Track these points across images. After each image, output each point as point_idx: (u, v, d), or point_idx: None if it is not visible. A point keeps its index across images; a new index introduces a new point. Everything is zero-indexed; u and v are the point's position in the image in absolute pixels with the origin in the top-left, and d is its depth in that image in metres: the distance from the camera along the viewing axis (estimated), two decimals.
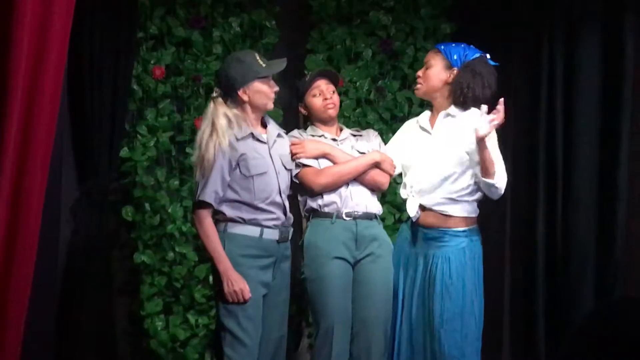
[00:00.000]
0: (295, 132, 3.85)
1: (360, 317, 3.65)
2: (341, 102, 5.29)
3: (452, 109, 3.64)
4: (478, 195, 3.64)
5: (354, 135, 3.91)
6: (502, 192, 3.51)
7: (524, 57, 5.14)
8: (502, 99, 3.48)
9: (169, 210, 4.84)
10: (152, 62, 4.91)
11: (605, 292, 4.56)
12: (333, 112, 3.81)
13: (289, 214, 3.55)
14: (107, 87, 4.76)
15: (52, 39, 2.91)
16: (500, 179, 3.47)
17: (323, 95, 3.78)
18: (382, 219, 5.33)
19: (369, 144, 3.86)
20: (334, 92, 3.82)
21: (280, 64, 3.63)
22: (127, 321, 5.01)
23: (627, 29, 4.55)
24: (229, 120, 3.41)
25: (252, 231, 3.44)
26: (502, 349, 5.06)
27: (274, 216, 3.46)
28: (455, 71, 3.63)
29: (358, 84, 5.31)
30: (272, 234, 3.47)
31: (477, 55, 3.66)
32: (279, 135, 3.63)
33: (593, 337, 1.13)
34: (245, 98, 3.46)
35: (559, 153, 4.81)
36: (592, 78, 4.70)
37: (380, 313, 3.67)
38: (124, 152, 4.88)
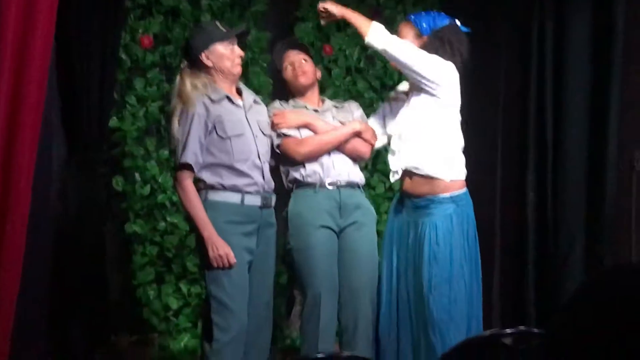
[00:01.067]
0: (276, 103, 3.86)
1: (347, 286, 3.68)
2: (330, 70, 5.30)
3: None
4: (460, 148, 3.66)
5: (336, 107, 3.91)
6: (384, 44, 3.50)
7: (514, 20, 5.13)
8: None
9: (160, 180, 4.83)
10: (140, 31, 4.87)
11: (595, 259, 4.60)
12: (304, 79, 3.80)
13: (267, 177, 3.54)
14: (95, 57, 4.73)
15: (40, 9, 2.89)
16: (374, 38, 3.50)
17: (293, 65, 3.79)
18: (373, 187, 5.36)
19: (351, 115, 3.86)
20: (305, 60, 3.81)
21: (239, 29, 3.69)
22: (120, 291, 5.03)
23: None
24: (195, 87, 3.43)
25: (233, 198, 3.45)
26: (492, 315, 5.10)
27: (253, 181, 3.47)
28: (425, 39, 3.64)
29: (348, 52, 5.29)
30: (254, 200, 3.48)
31: (447, 22, 3.66)
32: (255, 102, 3.64)
33: (587, 307, 1.14)
34: (208, 63, 3.49)
35: (548, 118, 4.82)
36: (583, 43, 4.70)
37: (367, 281, 3.70)
38: (113, 122, 4.86)
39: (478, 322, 3.60)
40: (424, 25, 3.65)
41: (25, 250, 3.04)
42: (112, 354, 4.89)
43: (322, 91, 5.23)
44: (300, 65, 3.79)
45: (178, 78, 3.53)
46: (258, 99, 3.72)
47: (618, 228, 4.56)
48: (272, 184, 3.60)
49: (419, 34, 3.66)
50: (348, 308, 3.68)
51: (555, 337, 1.17)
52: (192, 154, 3.37)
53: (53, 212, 4.50)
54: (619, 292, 1.12)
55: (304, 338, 3.68)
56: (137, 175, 4.86)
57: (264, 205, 3.51)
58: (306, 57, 3.83)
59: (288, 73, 3.81)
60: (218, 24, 3.59)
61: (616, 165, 4.54)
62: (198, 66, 3.49)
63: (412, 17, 3.75)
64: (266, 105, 3.83)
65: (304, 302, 3.71)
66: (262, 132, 3.59)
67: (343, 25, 5.26)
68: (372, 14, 5.19)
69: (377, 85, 5.26)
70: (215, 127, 3.41)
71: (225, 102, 3.48)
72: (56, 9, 2.97)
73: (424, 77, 3.52)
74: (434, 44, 3.59)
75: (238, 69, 3.55)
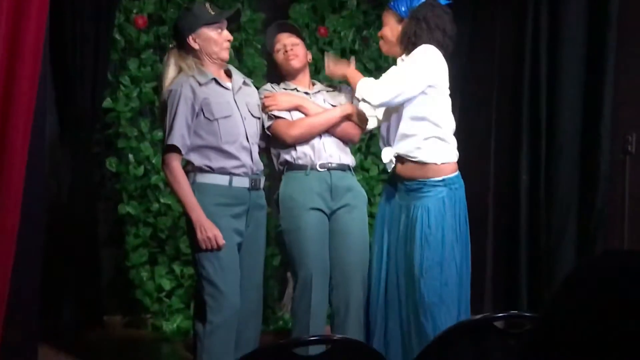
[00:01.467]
0: (267, 86, 3.85)
1: (338, 268, 3.68)
2: (325, 52, 5.28)
3: (405, 57, 3.65)
4: (451, 132, 3.65)
5: (326, 89, 3.90)
6: (376, 100, 3.53)
7: (510, 4, 5.12)
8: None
9: (153, 161, 4.83)
10: (134, 11, 4.86)
11: (588, 240, 4.61)
12: (296, 62, 3.79)
13: (256, 158, 3.54)
14: (89, 37, 4.71)
15: None
16: (363, 90, 3.55)
17: (284, 48, 3.77)
18: (367, 169, 5.37)
19: (341, 97, 3.86)
20: (294, 45, 3.80)
21: (229, 12, 3.64)
22: (113, 272, 5.04)
23: None
24: (181, 69, 3.43)
25: (221, 180, 3.44)
26: (484, 299, 5.12)
27: (241, 163, 3.46)
28: (405, 22, 3.63)
29: (342, 34, 5.28)
30: (242, 182, 3.48)
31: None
32: (244, 83, 3.63)
33: (579, 292, 1.14)
34: (195, 46, 3.47)
35: (542, 103, 4.82)
36: (578, 27, 4.69)
37: (358, 264, 3.71)
38: (107, 102, 4.85)
39: (466, 304, 3.61)
40: (403, 8, 3.64)
41: (19, 230, 3.03)
42: (105, 335, 4.91)
43: (317, 73, 5.23)
44: (292, 49, 3.77)
45: (165, 59, 3.52)
46: (248, 80, 3.70)
47: (611, 212, 4.57)
48: (261, 166, 3.59)
49: (400, 19, 3.65)
50: (339, 290, 3.68)
51: (548, 321, 1.18)
52: (179, 136, 3.37)
53: (46, 193, 4.50)
54: (612, 276, 1.12)
55: (295, 320, 3.69)
56: (130, 156, 4.85)
57: (253, 187, 3.51)
58: (297, 41, 3.81)
59: (280, 56, 3.80)
60: (208, 6, 3.55)
61: (609, 148, 4.54)
62: (186, 49, 3.48)
63: (392, 3, 3.73)
64: (259, 87, 3.82)
65: (294, 284, 3.72)
66: (251, 114, 3.58)
67: (338, 7, 5.24)
68: None
69: (372, 67, 5.25)
70: (202, 110, 3.40)
71: (213, 85, 3.47)
72: None
73: (419, 94, 3.52)
74: (411, 25, 3.58)
75: (225, 54, 3.53)
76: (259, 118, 3.63)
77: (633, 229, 4.45)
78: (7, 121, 2.89)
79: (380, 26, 5.10)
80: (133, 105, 4.86)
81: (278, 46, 3.79)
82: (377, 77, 4.99)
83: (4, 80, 2.85)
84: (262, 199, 3.58)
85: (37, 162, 3.71)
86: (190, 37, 3.45)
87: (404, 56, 3.63)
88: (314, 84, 3.90)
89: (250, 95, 3.62)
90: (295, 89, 3.80)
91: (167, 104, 3.38)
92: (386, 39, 3.71)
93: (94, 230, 4.89)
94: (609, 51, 4.53)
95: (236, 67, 4.94)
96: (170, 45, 3.58)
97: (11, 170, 2.93)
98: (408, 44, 3.59)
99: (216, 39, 3.47)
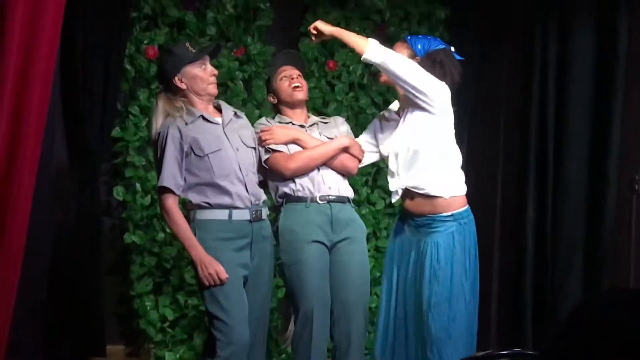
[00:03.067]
0: (262, 120, 3.86)
1: (340, 301, 3.66)
2: (334, 86, 5.31)
3: None
4: (459, 165, 3.65)
5: (322, 122, 3.91)
6: (380, 60, 3.49)
7: (518, 41, 5.15)
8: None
9: None
10: (145, 42, 4.90)
11: (594, 278, 4.59)
12: (301, 94, 3.80)
13: (252, 189, 3.53)
14: (100, 67, 4.75)
15: (46, 15, 2.90)
16: (372, 52, 3.49)
17: (290, 78, 3.79)
18: (373, 203, 5.36)
19: (337, 130, 3.86)
20: (299, 76, 3.82)
21: (210, 47, 3.67)
22: (117, 301, 5.03)
23: (620, 18, 4.56)
24: (169, 114, 3.47)
25: (221, 214, 3.45)
26: (490, 336, 5.09)
27: (237, 195, 3.46)
28: (417, 60, 3.64)
29: (351, 68, 5.31)
30: (242, 215, 3.48)
31: (442, 46, 3.68)
32: (235, 115, 3.64)
33: (581, 330, 1.14)
34: (182, 86, 3.50)
35: (549, 139, 4.83)
36: (585, 65, 4.72)
37: (359, 296, 3.69)
38: (116, 132, 4.88)
39: (473, 339, 3.60)
40: (419, 47, 3.65)
41: (24, 257, 3.03)
42: None
43: (325, 106, 5.25)
44: (296, 77, 3.79)
45: (154, 105, 3.55)
46: (240, 112, 3.71)
47: (617, 250, 4.56)
48: (260, 196, 3.58)
49: (413, 55, 3.66)
50: (341, 324, 3.66)
51: (549, 358, 1.17)
52: (169, 177, 3.39)
53: (52, 221, 4.51)
54: (615, 314, 1.12)
55: (296, 354, 3.67)
56: (138, 185, 4.87)
57: (254, 219, 3.50)
58: (300, 74, 3.84)
59: (283, 84, 3.80)
60: (188, 45, 3.59)
61: (616, 186, 4.54)
62: (173, 90, 3.51)
63: (409, 37, 3.75)
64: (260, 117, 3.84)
65: (295, 318, 3.69)
66: (245, 145, 3.58)
67: None
68: (377, 31, 5.23)
69: (379, 101, 5.27)
70: (192, 148, 3.43)
71: (200, 122, 3.49)
72: (62, 17, 2.99)
73: (419, 91, 3.51)
74: (426, 63, 3.59)
75: (213, 89, 3.55)
76: (253, 148, 3.63)
77: (639, 268, 4.43)
78: (16, 148, 2.91)
79: None
80: (142, 135, 4.88)
81: (282, 75, 3.80)
82: None
83: (14, 107, 2.87)
84: (265, 230, 3.57)
85: (44, 189, 3.73)
86: (176, 78, 3.49)
87: None
88: (309, 117, 3.91)
89: (242, 126, 3.63)
90: (291, 122, 3.80)
91: (157, 147, 3.42)
92: None
93: (99, 258, 4.89)
94: (617, 89, 4.55)
95: (245, 99, 5.00)
96: (158, 90, 3.61)
97: (18, 197, 2.93)
98: None
99: (201, 76, 3.51)
